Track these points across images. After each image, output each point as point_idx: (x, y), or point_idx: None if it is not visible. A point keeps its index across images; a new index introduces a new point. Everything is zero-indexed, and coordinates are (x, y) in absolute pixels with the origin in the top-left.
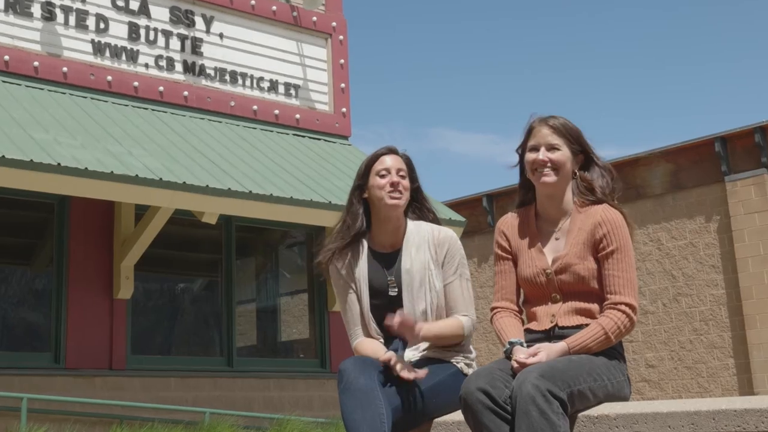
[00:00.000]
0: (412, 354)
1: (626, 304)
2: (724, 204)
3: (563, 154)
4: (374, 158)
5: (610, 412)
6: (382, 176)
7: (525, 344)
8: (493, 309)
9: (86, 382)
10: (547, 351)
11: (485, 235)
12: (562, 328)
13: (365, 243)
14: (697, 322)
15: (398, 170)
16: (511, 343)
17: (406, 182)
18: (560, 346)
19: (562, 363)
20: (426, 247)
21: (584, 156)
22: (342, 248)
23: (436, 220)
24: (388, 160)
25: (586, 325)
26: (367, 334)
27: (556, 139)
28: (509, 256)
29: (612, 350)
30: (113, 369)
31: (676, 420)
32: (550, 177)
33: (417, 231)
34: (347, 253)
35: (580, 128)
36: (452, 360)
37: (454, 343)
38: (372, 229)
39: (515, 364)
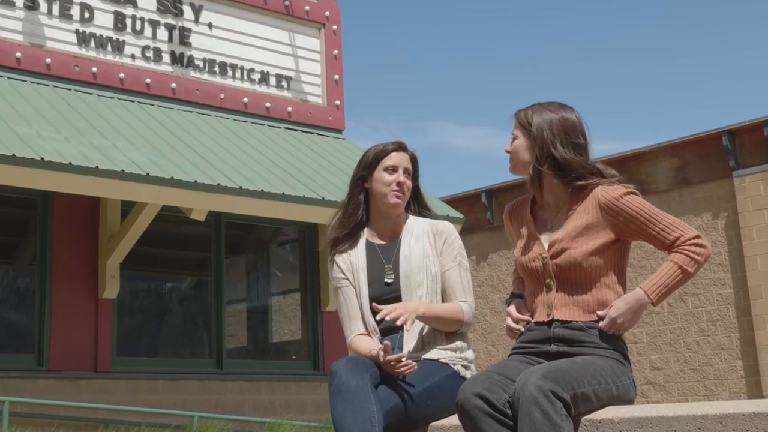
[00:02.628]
0: (408, 354)
1: (691, 237)
2: (731, 200)
3: (518, 143)
4: (384, 152)
5: (614, 416)
6: (389, 173)
7: (521, 295)
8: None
9: (71, 384)
10: (625, 303)
11: (484, 233)
12: (563, 323)
13: (364, 234)
14: (703, 322)
15: (405, 169)
16: (513, 295)
17: (410, 182)
18: (637, 295)
19: (565, 364)
20: (425, 237)
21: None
22: (342, 238)
23: (430, 217)
24: (398, 157)
25: (585, 321)
26: (365, 330)
27: (515, 130)
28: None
29: (617, 352)
30: (98, 371)
31: (682, 424)
32: (510, 167)
33: (416, 223)
34: (346, 244)
35: (555, 115)
36: (449, 362)
37: (453, 331)
38: (371, 221)
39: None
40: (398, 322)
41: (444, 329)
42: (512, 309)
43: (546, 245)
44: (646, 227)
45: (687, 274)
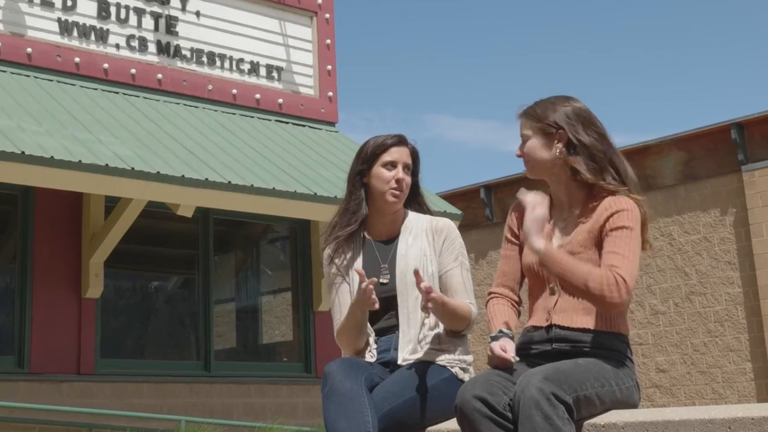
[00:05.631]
0: (404, 356)
1: (620, 275)
2: (740, 195)
3: (532, 142)
4: (383, 146)
5: (617, 420)
6: (388, 169)
7: (512, 336)
8: (489, 294)
9: (52, 387)
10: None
11: (483, 230)
12: (562, 328)
13: (363, 230)
14: (711, 323)
15: (405, 165)
16: (501, 332)
17: (409, 179)
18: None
19: (567, 366)
20: (423, 235)
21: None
22: (347, 237)
23: (428, 214)
24: (397, 153)
25: (583, 328)
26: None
27: (525, 130)
28: (516, 241)
29: (620, 354)
30: (81, 374)
31: (688, 429)
32: (527, 170)
33: (416, 220)
34: (344, 242)
35: (567, 107)
36: (447, 364)
37: (458, 330)
38: (370, 217)
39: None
40: (423, 301)
41: (451, 326)
42: (496, 346)
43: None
44: (610, 239)
45: (585, 286)
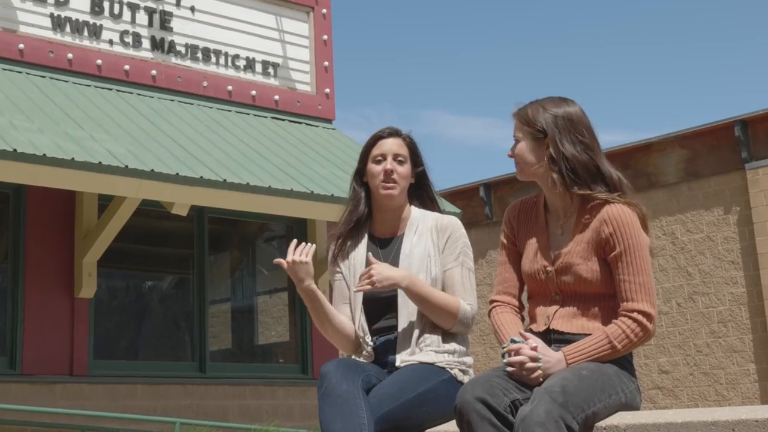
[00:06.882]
0: (403, 357)
1: (639, 311)
2: (744, 194)
3: (522, 145)
4: (373, 141)
5: (619, 422)
6: (378, 162)
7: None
8: (492, 302)
9: (45, 389)
10: (544, 365)
11: (482, 229)
12: (559, 332)
13: (367, 229)
14: (714, 323)
15: (396, 155)
16: (513, 342)
17: (403, 169)
18: (558, 358)
19: (574, 383)
20: (428, 234)
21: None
22: (345, 234)
23: (437, 210)
24: (386, 145)
25: (584, 335)
26: (353, 329)
27: (516, 131)
28: (514, 247)
29: (621, 357)
30: (74, 375)
31: (691, 431)
32: (517, 173)
33: (422, 218)
34: (348, 240)
35: (558, 110)
36: (446, 366)
37: (444, 325)
38: (373, 215)
39: (511, 358)
40: (362, 281)
41: (433, 318)
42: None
43: (552, 257)
44: (620, 264)
45: (615, 350)
